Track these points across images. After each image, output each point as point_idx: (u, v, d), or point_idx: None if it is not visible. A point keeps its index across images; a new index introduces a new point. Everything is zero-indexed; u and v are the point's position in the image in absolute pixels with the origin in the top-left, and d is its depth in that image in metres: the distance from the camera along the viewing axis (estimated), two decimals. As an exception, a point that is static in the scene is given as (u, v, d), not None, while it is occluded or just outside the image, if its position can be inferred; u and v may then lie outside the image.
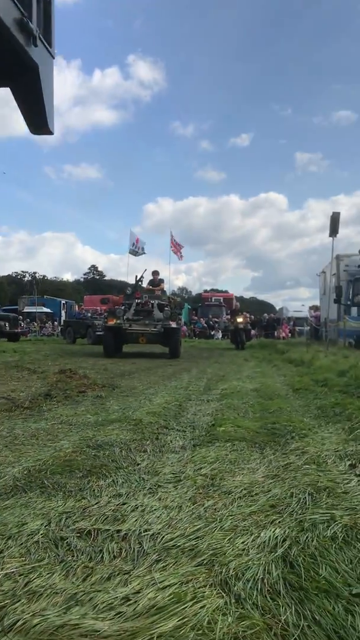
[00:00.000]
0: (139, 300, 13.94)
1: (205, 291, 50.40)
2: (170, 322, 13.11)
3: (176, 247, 27.10)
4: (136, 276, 15.15)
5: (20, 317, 26.73)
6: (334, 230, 13.99)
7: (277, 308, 48.67)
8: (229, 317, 21.04)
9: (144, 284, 15.73)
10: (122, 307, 13.79)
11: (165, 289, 16.22)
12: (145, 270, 16.37)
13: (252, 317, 23.62)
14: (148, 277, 16.00)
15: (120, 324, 13.13)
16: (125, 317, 13.33)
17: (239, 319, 19.06)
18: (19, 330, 24.07)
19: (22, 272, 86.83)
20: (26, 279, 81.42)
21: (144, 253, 24.47)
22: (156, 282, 15.90)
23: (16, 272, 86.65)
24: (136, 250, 24.28)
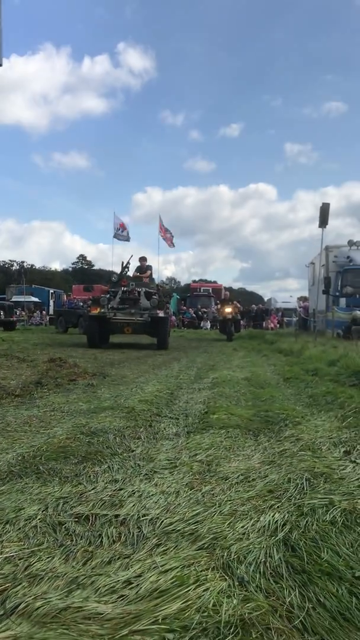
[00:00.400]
0: (125, 288, 13.23)
1: (194, 281, 50.37)
2: (158, 311, 12.49)
3: (165, 234, 26.11)
4: (122, 262, 14.38)
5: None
6: (323, 222, 14.01)
7: (266, 299, 48.76)
8: (218, 306, 19.85)
9: (131, 272, 14.97)
10: (107, 296, 13.16)
11: (153, 277, 15.34)
12: (132, 256, 15.59)
13: (241, 307, 22.32)
14: (135, 264, 15.26)
15: (105, 313, 12.50)
16: (110, 305, 12.74)
17: (228, 309, 17.91)
18: (15, 318, 23.90)
19: (10, 261, 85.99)
20: (14, 268, 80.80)
21: (128, 239, 23.40)
22: (143, 268, 14.98)
23: (4, 261, 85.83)
24: (122, 234, 23.15)
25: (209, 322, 30.42)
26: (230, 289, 21.71)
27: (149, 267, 15.19)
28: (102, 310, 12.51)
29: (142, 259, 15.20)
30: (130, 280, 13.89)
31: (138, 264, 15.24)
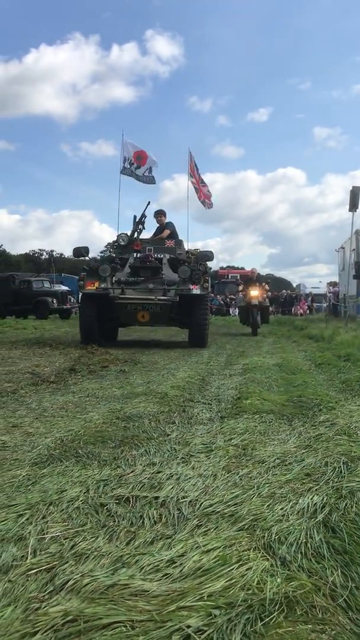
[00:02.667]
0: (138, 255, 9.15)
1: (222, 268, 50.19)
2: (191, 287, 8.41)
3: (201, 186, 16.05)
4: (135, 217, 10.06)
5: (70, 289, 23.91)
6: (354, 205, 13.80)
7: (295, 285, 48.31)
8: (240, 288, 14.97)
9: (148, 233, 10.62)
10: (111, 264, 8.91)
11: (179, 238, 10.44)
12: (149, 203, 10.32)
13: (269, 292, 17.04)
14: (153, 223, 10.67)
15: (107, 290, 8.31)
16: (115, 278, 8.59)
17: (253, 292, 13.12)
18: (69, 306, 22.43)
19: (40, 250, 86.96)
20: (43, 257, 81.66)
21: (153, 182, 13.98)
22: (161, 227, 10.45)
23: (33, 251, 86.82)
24: (136, 172, 13.81)
25: (237, 308, 30.25)
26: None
27: (170, 226, 10.49)
28: (103, 286, 8.35)
29: (159, 214, 10.57)
30: (147, 243, 9.71)
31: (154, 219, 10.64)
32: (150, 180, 13.99)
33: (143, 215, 10.33)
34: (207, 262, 9.64)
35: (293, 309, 32.05)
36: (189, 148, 15.31)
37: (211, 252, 9.68)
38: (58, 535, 1.51)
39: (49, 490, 1.87)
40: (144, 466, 2.19)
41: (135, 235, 10.15)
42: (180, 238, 10.60)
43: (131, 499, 1.81)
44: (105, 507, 1.74)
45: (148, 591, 1.21)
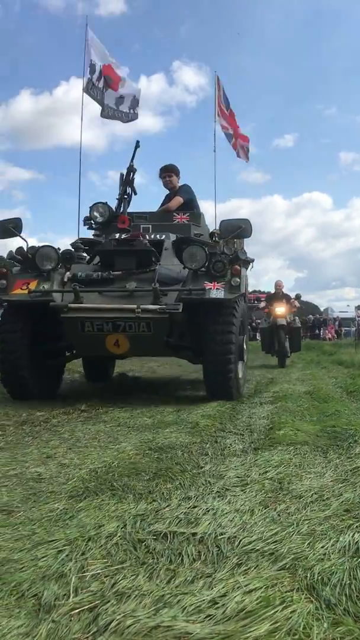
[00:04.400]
0: (125, 235, 5.33)
1: (249, 292, 50.00)
2: (208, 285, 4.83)
3: (238, 132, 11.72)
4: (121, 175, 6.00)
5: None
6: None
7: (322, 309, 47.91)
8: (262, 304, 12.20)
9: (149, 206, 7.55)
10: (70, 253, 5.32)
11: (199, 211, 6.69)
12: (138, 145, 5.98)
13: (301, 307, 13.83)
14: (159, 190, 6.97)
15: (49, 294, 4.82)
16: (69, 274, 5.10)
17: (279, 309, 10.76)
18: None
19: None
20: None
21: (131, 118, 10.00)
22: (173, 191, 6.75)
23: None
24: (98, 93, 9.32)
25: (258, 332, 29.84)
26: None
27: (184, 191, 6.68)
28: (44, 287, 4.87)
29: (167, 172, 6.78)
30: (142, 219, 6.04)
31: (162, 181, 6.82)
32: (127, 115, 9.65)
33: (131, 170, 5.83)
34: (243, 242, 6.89)
35: (321, 333, 31.76)
36: (216, 73, 11.70)
37: (247, 220, 5.39)
38: (99, 573, 1.51)
39: (87, 525, 1.88)
40: (180, 500, 2.18)
41: (122, 206, 5.88)
42: (201, 211, 6.77)
43: (169, 535, 1.80)
44: (143, 543, 1.73)
45: (192, 633, 1.20)
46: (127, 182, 5.95)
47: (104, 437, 3.51)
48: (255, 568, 1.54)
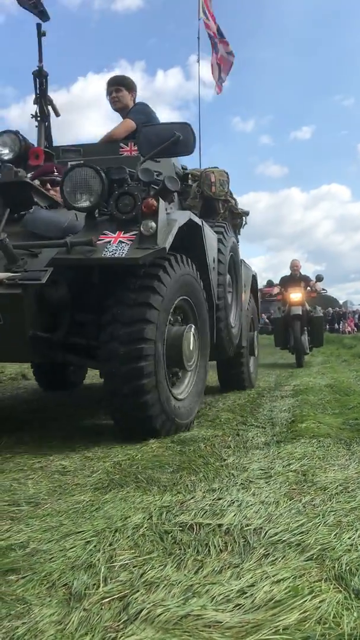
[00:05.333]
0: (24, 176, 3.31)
1: (265, 286, 49.76)
2: (105, 236, 2.84)
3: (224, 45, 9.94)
4: (34, 78, 4.12)
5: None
6: None
7: (341, 302, 47.58)
8: (276, 291, 10.40)
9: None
10: None
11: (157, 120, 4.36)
12: (43, 34, 4.14)
13: (324, 290, 12.45)
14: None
15: None
16: None
17: (294, 295, 9.18)
18: None
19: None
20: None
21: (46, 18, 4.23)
22: (124, 112, 4.47)
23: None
24: None
25: (271, 323, 29.48)
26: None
27: (137, 112, 4.41)
28: None
29: (115, 83, 4.50)
30: (71, 152, 4.20)
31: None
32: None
33: (41, 75, 4.25)
34: (225, 182, 4.62)
35: (340, 326, 31.53)
36: None
37: (185, 125, 3.57)
38: (127, 564, 1.53)
39: (113, 516, 1.89)
40: (204, 492, 2.19)
41: (38, 133, 4.31)
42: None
43: (195, 526, 1.81)
44: (170, 535, 1.75)
45: (222, 622, 1.21)
46: (41, 95, 4.21)
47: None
48: (282, 559, 1.54)
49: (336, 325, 32.19)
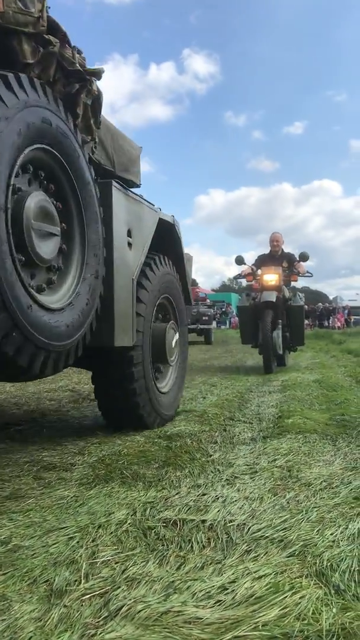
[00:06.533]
0: None
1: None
2: None
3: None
4: None
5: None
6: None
7: (331, 297, 47.69)
8: (245, 272, 7.76)
9: None
10: None
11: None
12: None
13: (309, 274, 7.99)
14: None
15: None
16: None
17: (268, 277, 7.21)
18: None
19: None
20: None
21: None
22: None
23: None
24: None
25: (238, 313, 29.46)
26: (292, 289, 7.84)
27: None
28: None
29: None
30: None
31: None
32: None
33: None
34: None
35: (330, 322, 31.65)
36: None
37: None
38: (109, 560, 1.53)
39: (97, 512, 1.89)
40: (189, 488, 2.19)
41: None
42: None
43: (178, 522, 1.81)
44: (153, 531, 1.75)
45: (202, 618, 1.21)
46: None
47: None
48: (264, 555, 1.55)
49: (327, 323, 32.29)
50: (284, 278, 7.43)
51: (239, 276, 7.93)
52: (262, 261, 7.76)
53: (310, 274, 7.91)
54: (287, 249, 8.67)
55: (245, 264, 7.68)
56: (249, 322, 7.60)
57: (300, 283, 8.75)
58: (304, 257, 7.74)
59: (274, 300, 6.96)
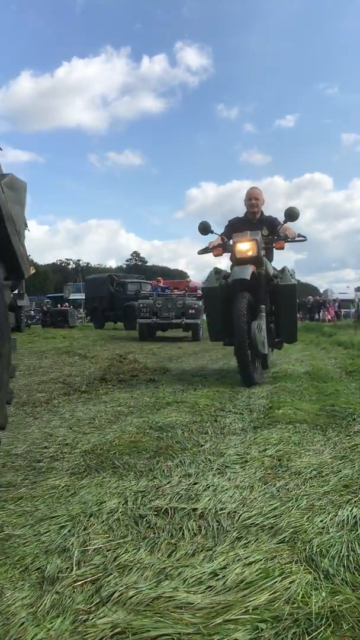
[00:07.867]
0: None
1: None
2: None
3: None
4: None
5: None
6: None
7: (322, 290, 47.84)
8: (212, 244, 5.51)
9: None
10: None
11: None
12: None
13: (302, 237, 5.46)
14: None
15: None
16: None
17: (242, 247, 5.02)
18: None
19: (67, 259, 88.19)
20: (70, 266, 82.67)
21: None
22: None
23: (60, 260, 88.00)
24: None
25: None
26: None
27: None
28: None
29: None
30: None
31: None
32: None
33: None
34: None
35: (320, 315, 31.76)
36: None
37: None
38: (101, 547, 1.54)
39: (89, 501, 1.90)
40: (180, 477, 2.20)
41: None
42: None
43: (170, 511, 1.82)
44: (144, 519, 1.76)
45: (193, 604, 1.22)
46: None
47: (104, 417, 3.53)
48: (255, 541, 1.56)
49: (317, 316, 32.39)
50: (265, 247, 5.40)
51: (206, 250, 5.65)
52: (235, 227, 5.63)
53: (303, 238, 5.54)
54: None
55: (212, 231, 5.57)
56: (218, 311, 5.55)
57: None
58: (291, 215, 5.27)
59: (249, 277, 4.93)
